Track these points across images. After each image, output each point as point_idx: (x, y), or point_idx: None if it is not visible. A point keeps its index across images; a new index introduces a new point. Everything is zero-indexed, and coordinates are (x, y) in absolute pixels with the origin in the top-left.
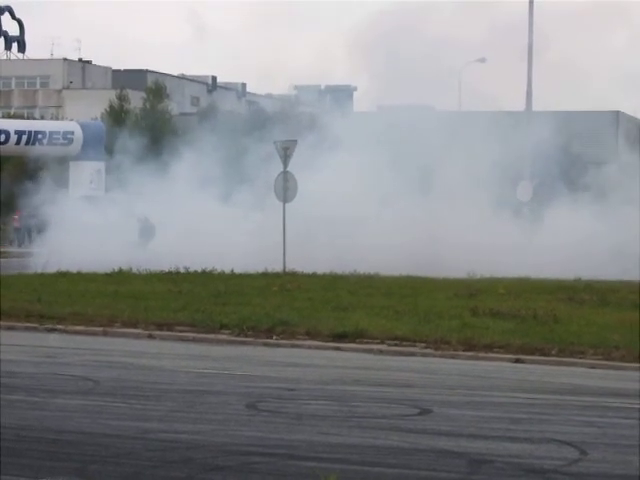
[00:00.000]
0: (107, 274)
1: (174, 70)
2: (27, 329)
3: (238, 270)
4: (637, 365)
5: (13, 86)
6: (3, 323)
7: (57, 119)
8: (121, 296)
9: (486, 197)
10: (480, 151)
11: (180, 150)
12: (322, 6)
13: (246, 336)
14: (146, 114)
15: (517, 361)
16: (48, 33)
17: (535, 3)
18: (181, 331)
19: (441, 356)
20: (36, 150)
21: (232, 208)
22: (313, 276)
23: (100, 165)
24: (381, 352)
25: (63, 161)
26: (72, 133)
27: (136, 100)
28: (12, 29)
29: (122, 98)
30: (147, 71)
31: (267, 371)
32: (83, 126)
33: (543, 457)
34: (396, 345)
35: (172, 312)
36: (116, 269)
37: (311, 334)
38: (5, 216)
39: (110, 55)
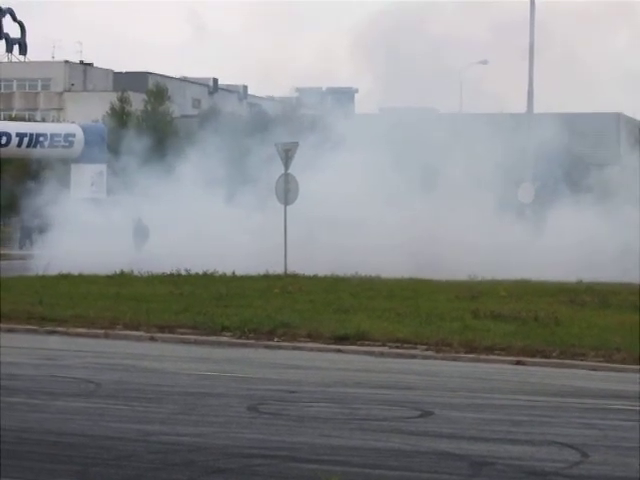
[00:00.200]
0: (108, 276)
1: (175, 72)
2: (28, 331)
3: (239, 272)
4: (638, 367)
5: (14, 88)
6: (4, 325)
7: (58, 121)
8: (123, 298)
9: (488, 199)
10: (482, 153)
11: (183, 152)
12: (323, 7)
13: (247, 338)
14: (147, 116)
15: (518, 363)
16: (49, 35)
17: (537, 3)
18: (183, 333)
19: (442, 358)
20: (37, 152)
21: (234, 210)
22: (314, 278)
23: (101, 167)
24: (382, 354)
25: (64, 163)
26: (73, 135)
27: (137, 102)
28: (13, 31)
29: (123, 100)
30: (148, 73)
31: (268, 373)
32: (84, 128)
33: (544, 459)
34: (397, 347)
35: (174, 314)
36: (117, 271)
37: (312, 336)
38: (6, 218)
39: (111, 57)
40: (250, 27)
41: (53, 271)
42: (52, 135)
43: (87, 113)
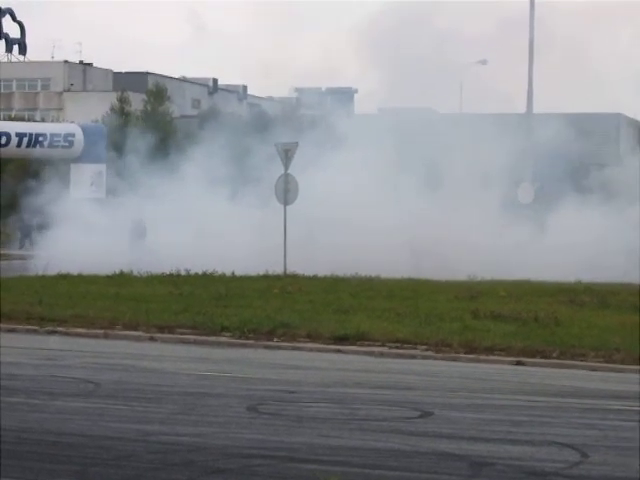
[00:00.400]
0: (108, 276)
1: (175, 72)
2: (28, 331)
3: (239, 272)
4: (638, 367)
5: (14, 88)
6: (4, 325)
7: (58, 121)
8: (122, 298)
9: (489, 199)
10: (482, 153)
11: (185, 152)
12: (322, 7)
13: (247, 338)
14: (147, 116)
15: (518, 363)
16: (49, 35)
17: (538, 2)
18: (182, 333)
19: (442, 358)
20: (37, 152)
21: (236, 210)
22: (314, 278)
23: (101, 167)
24: (382, 355)
25: (64, 163)
26: (73, 135)
27: (137, 102)
28: (13, 31)
29: (123, 100)
30: (148, 73)
31: (268, 373)
32: (84, 128)
33: (544, 460)
34: (397, 347)
35: (173, 314)
36: (117, 271)
37: (312, 336)
38: (5, 218)
39: (111, 57)
40: (250, 27)
41: (52, 271)
42: (52, 135)
43: (87, 113)
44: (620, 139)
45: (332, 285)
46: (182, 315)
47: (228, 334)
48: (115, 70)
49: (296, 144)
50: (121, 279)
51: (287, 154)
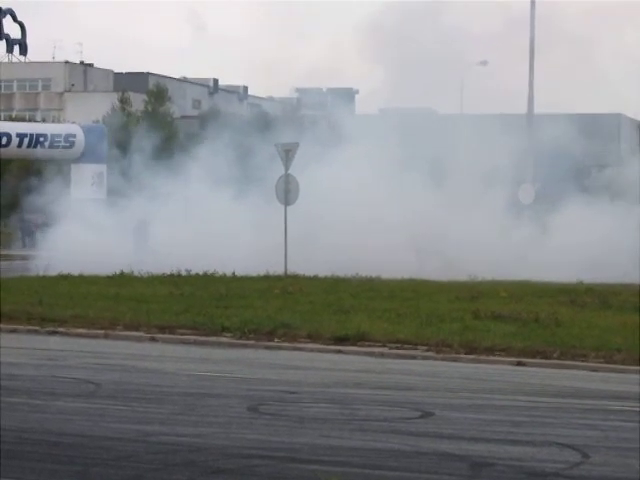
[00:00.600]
0: (109, 277)
1: (176, 73)
2: (28, 332)
3: (240, 272)
4: (638, 368)
5: (15, 89)
6: (5, 326)
7: (59, 122)
8: (123, 299)
9: (492, 200)
10: (485, 153)
11: (186, 152)
12: (322, 8)
13: (248, 339)
14: (148, 117)
15: (519, 364)
16: (50, 36)
17: (540, 2)
18: (183, 334)
19: (443, 359)
20: (38, 153)
21: (237, 211)
22: (315, 279)
23: (102, 168)
24: (382, 355)
25: (65, 164)
26: (74, 136)
27: (138, 103)
28: (14, 32)
29: (124, 101)
30: (149, 74)
31: (268, 374)
32: (85, 129)
33: (545, 460)
34: (398, 348)
35: (174, 315)
36: (117, 272)
37: (313, 337)
38: (6, 217)
39: (112, 58)
40: (250, 27)
41: (53, 271)
42: (52, 135)
43: (87, 113)
44: (621, 139)
45: (333, 285)
46: (183, 315)
47: (229, 334)
48: (116, 70)
49: (297, 144)
50: (122, 279)
51: (288, 154)
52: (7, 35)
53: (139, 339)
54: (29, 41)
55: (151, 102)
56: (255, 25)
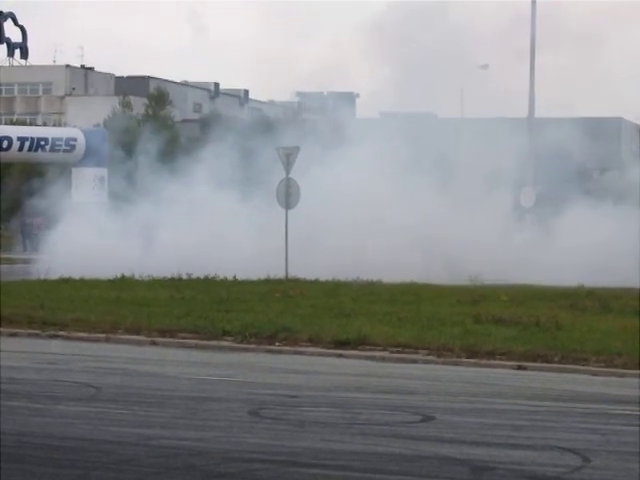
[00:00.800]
0: (110, 280)
1: (177, 76)
2: (30, 335)
3: (241, 276)
4: (639, 372)
5: (16, 92)
6: (6, 329)
7: (60, 126)
8: (124, 302)
9: (496, 203)
10: (487, 157)
11: (189, 156)
12: (323, 10)
13: (248, 343)
14: (149, 120)
15: (519, 368)
16: (51, 40)
17: (542, 2)
18: (184, 338)
19: (443, 363)
20: (39, 157)
21: (240, 214)
22: (315, 282)
23: (102, 172)
24: (383, 359)
25: (66, 167)
26: (75, 140)
27: (138, 107)
28: (15, 36)
29: (125, 105)
30: (149, 77)
31: (269, 378)
32: (86, 133)
33: (546, 464)
34: (398, 352)
35: (175, 319)
36: (118, 275)
37: (313, 341)
38: (6, 221)
39: (112, 62)
40: (251, 31)
41: (54, 275)
42: (53, 139)
43: (88, 117)
44: (622, 143)
45: (333, 289)
46: (184, 319)
47: (230, 338)
48: (117, 74)
49: (297, 148)
50: (123, 283)
51: (288, 158)
52: (8, 39)
53: (140, 343)
54: (30, 45)
55: (152, 106)
56: (256, 28)
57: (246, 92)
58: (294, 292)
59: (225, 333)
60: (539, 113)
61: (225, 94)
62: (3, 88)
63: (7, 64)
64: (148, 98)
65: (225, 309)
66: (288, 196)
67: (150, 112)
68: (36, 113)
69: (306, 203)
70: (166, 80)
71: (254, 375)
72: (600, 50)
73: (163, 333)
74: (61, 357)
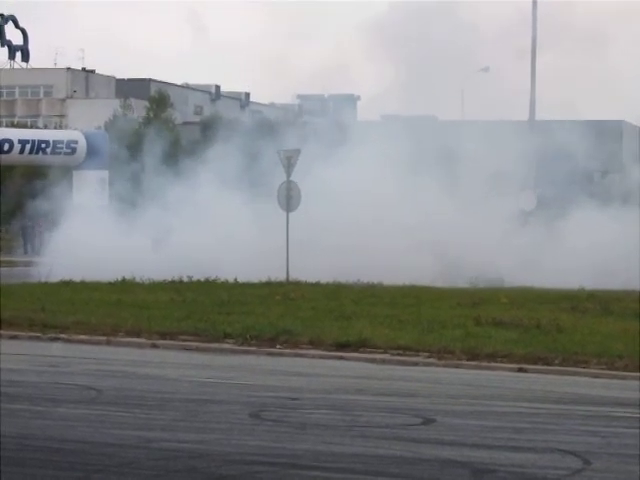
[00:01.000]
0: (110, 283)
1: (177, 79)
2: (30, 338)
3: (241, 279)
4: None
5: (17, 95)
6: (6, 332)
7: (61, 128)
8: (124, 305)
9: (498, 206)
10: (488, 160)
11: (193, 158)
12: (324, 12)
13: (249, 345)
14: (150, 123)
15: (520, 370)
16: (52, 42)
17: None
18: (184, 340)
19: (444, 365)
20: (40, 159)
21: (245, 217)
22: (316, 285)
23: (104, 174)
24: (384, 361)
25: (67, 170)
26: (76, 142)
27: (139, 109)
28: (16, 38)
29: (126, 107)
30: (150, 80)
31: (270, 380)
32: (87, 135)
33: (546, 467)
34: (399, 354)
35: (175, 321)
36: (119, 278)
37: (314, 343)
38: (7, 223)
39: (113, 64)
40: (252, 32)
41: (55, 278)
42: (54, 142)
43: (89, 120)
44: (623, 145)
45: (334, 292)
46: (184, 322)
47: (230, 341)
48: (118, 77)
49: (298, 151)
50: (123, 286)
51: (289, 161)
52: (9, 41)
53: (141, 345)
54: (31, 47)
55: (153, 108)
56: (257, 30)
57: (247, 95)
58: (295, 294)
59: (226, 335)
60: (540, 115)
61: (226, 97)
62: (4, 91)
63: (8, 67)
64: (149, 101)
65: (226, 311)
66: (289, 199)
67: (151, 115)
68: (37, 116)
69: (307, 205)
70: (167, 83)
71: (255, 377)
72: (602, 51)
73: (164, 336)
74: (62, 360)
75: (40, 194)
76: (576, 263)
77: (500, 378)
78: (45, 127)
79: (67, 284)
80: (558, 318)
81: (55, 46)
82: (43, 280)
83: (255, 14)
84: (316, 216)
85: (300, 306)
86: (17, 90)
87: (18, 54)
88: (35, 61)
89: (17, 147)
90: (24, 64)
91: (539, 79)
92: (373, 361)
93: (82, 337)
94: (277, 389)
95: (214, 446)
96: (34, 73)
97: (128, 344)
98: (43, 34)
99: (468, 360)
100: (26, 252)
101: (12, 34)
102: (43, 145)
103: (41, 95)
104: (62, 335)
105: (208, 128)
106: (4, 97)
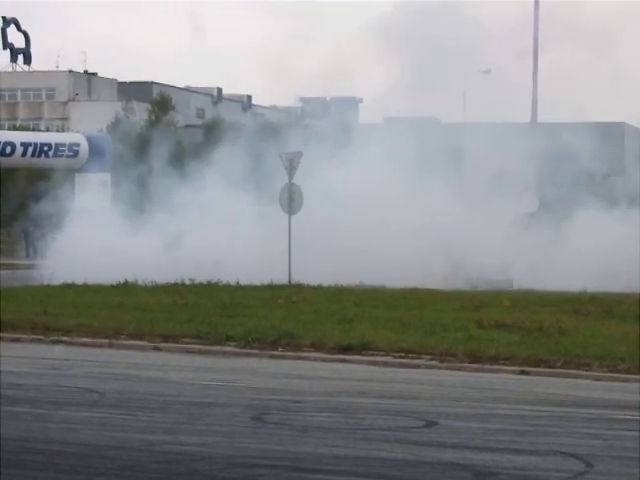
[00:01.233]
0: (113, 286)
1: (179, 82)
2: (33, 341)
3: (243, 281)
4: None
5: (19, 98)
6: (9, 335)
7: (63, 131)
8: (127, 308)
9: (502, 208)
10: (487, 162)
11: (197, 160)
12: (324, 14)
13: (252, 348)
14: (152, 126)
15: (522, 373)
16: (54, 45)
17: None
18: (187, 343)
19: (446, 368)
20: (42, 162)
21: (250, 220)
22: (318, 288)
23: (106, 177)
24: (386, 364)
25: (69, 173)
26: (78, 145)
27: (141, 112)
28: (18, 41)
29: (127, 110)
30: (152, 83)
31: (272, 383)
32: (89, 138)
33: (548, 469)
34: (401, 357)
35: (178, 324)
36: (121, 281)
37: (316, 346)
38: (8, 226)
39: (115, 67)
40: (254, 36)
41: (57, 280)
42: (56, 145)
43: (91, 123)
44: (625, 148)
45: (336, 294)
46: (187, 325)
47: (233, 344)
48: (120, 79)
49: (300, 154)
50: (126, 288)
51: (291, 163)
52: (11, 44)
53: (143, 348)
54: (33, 50)
55: (155, 111)
56: (258, 32)
57: (249, 97)
58: (297, 297)
59: (228, 338)
60: (543, 117)
61: (228, 99)
62: (6, 94)
63: (10, 70)
64: (151, 103)
65: (228, 314)
66: (291, 201)
67: (153, 117)
68: (39, 118)
69: (309, 208)
70: (169, 85)
71: (257, 380)
72: (606, 52)
73: (166, 338)
74: (64, 363)
75: (42, 197)
76: (581, 265)
77: (502, 381)
78: (47, 130)
79: (69, 287)
80: (560, 321)
81: (57, 49)
82: (45, 283)
83: (256, 17)
84: (318, 218)
85: (302, 309)
86: (19, 93)
87: (20, 57)
88: (37, 64)
89: (19, 150)
90: (26, 67)
91: (542, 80)
92: (375, 364)
93: (84, 340)
94: (279, 392)
95: (216, 449)
96: (36, 76)
97: (130, 347)
98: (45, 37)
99: (470, 363)
100: (28, 255)
101: (14, 37)
102: (45, 148)
103: (43, 98)
104: (64, 338)
105: (210, 131)
106: (6, 100)
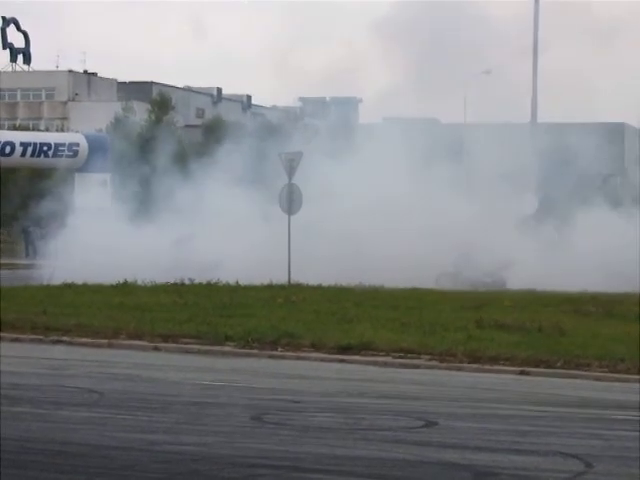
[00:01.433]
0: (112, 286)
1: (179, 82)
2: (32, 341)
3: (243, 281)
4: None
5: (18, 98)
6: (9, 335)
7: (62, 131)
8: (126, 308)
9: (500, 210)
10: (488, 162)
11: (198, 160)
12: (325, 15)
13: (251, 348)
14: (153, 126)
15: (522, 373)
16: (53, 45)
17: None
18: (186, 343)
19: (446, 368)
20: (42, 162)
21: (250, 219)
22: (318, 288)
23: (105, 177)
24: (386, 364)
25: (68, 173)
26: (77, 145)
27: (141, 112)
28: (18, 41)
29: (127, 110)
30: (152, 83)
31: (272, 383)
32: (88, 138)
33: (549, 470)
34: (401, 357)
35: (177, 324)
36: (121, 281)
37: (316, 346)
38: (9, 226)
39: (115, 67)
40: (253, 36)
41: (57, 280)
42: (56, 145)
43: (91, 122)
44: (625, 148)
45: (336, 295)
46: (186, 325)
47: (232, 344)
48: (119, 80)
49: (300, 154)
50: (125, 288)
51: (291, 164)
52: (11, 44)
53: (143, 348)
54: (33, 50)
55: (155, 111)
56: (258, 32)
57: (249, 97)
58: (297, 297)
59: (228, 338)
60: (543, 117)
61: (228, 99)
62: (6, 93)
63: (10, 69)
64: (151, 103)
65: (228, 314)
66: (290, 202)
67: (153, 117)
68: (39, 118)
69: (309, 208)
70: (169, 85)
71: (257, 380)
72: (604, 51)
73: (166, 338)
74: (64, 362)
75: (42, 197)
76: (581, 265)
77: (502, 381)
78: (47, 130)
79: (69, 287)
80: (560, 321)
81: (57, 49)
82: (45, 283)
83: (256, 17)
84: (318, 218)
85: (302, 309)
86: (19, 93)
87: (20, 57)
88: (37, 64)
89: (19, 150)
90: (26, 67)
91: (542, 80)
92: (375, 364)
93: (84, 340)
94: (279, 392)
95: (216, 449)
96: (36, 76)
97: (130, 347)
98: (45, 37)
99: (470, 363)
100: (28, 255)
101: (14, 37)
102: (45, 148)
103: (43, 98)
104: (64, 338)
105: (210, 131)
106: (6, 100)
